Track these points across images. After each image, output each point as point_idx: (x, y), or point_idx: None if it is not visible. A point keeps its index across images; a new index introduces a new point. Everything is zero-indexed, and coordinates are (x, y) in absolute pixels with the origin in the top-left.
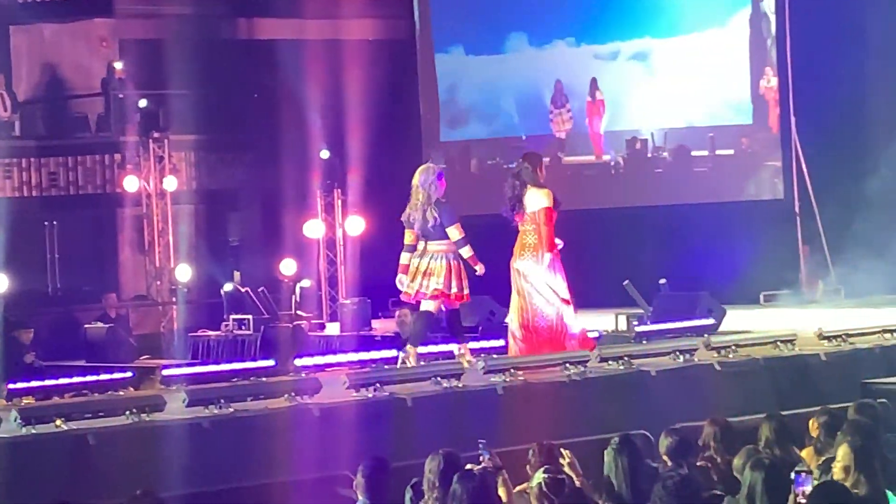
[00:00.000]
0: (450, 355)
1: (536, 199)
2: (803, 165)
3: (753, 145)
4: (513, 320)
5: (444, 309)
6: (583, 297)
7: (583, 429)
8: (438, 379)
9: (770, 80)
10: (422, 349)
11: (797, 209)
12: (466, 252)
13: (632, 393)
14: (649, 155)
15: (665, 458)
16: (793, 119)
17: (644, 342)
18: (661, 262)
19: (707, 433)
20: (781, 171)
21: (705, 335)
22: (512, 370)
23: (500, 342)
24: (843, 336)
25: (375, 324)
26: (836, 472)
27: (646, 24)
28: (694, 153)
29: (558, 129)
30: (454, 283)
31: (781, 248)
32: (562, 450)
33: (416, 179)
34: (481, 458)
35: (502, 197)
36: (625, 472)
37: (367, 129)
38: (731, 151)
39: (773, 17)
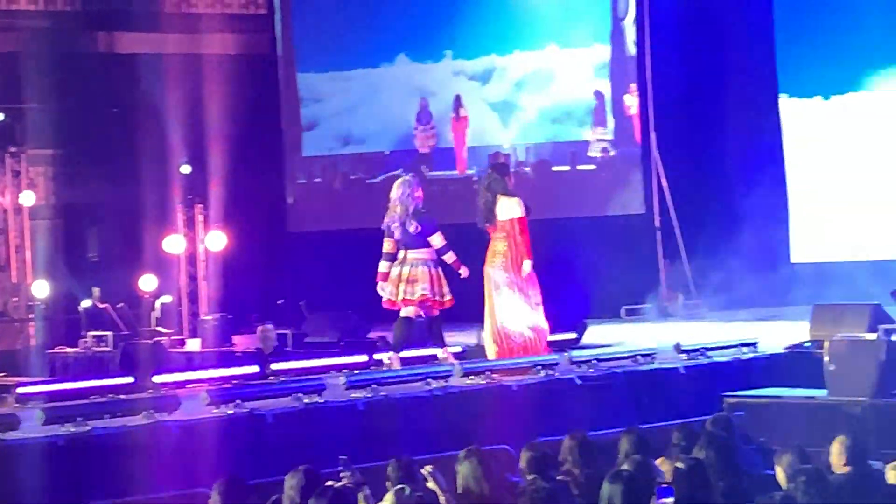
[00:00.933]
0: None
1: (508, 209)
2: (663, 180)
3: (614, 160)
4: (486, 325)
5: (422, 316)
6: (444, 312)
7: (445, 444)
8: (300, 395)
9: (631, 96)
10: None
11: (657, 224)
12: (450, 258)
13: (494, 407)
14: (512, 170)
15: (525, 472)
16: (653, 134)
17: None
18: None
19: (566, 447)
20: (642, 185)
21: (566, 349)
22: (374, 385)
23: (364, 357)
24: (702, 350)
25: (236, 340)
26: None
27: (511, 40)
28: (555, 168)
29: (422, 146)
30: (437, 290)
31: (642, 262)
32: (425, 468)
33: (394, 193)
34: (342, 475)
35: (363, 210)
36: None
37: (228, 144)
38: (592, 167)
39: (633, 33)
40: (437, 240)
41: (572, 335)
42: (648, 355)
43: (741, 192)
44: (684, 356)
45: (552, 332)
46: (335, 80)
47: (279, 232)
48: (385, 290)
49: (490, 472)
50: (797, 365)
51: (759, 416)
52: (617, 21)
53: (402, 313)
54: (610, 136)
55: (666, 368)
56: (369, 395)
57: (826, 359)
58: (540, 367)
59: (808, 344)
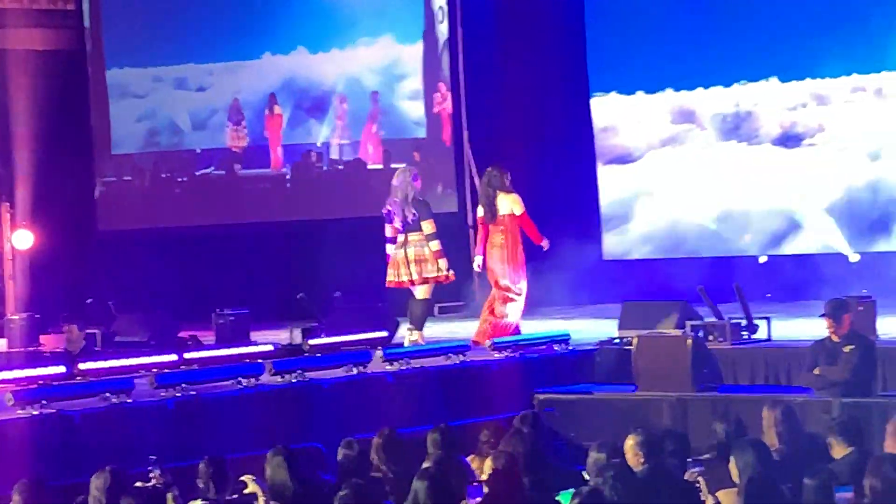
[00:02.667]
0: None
1: (506, 204)
2: (476, 179)
3: (427, 159)
4: (484, 310)
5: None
6: (256, 310)
7: (256, 442)
8: (108, 395)
9: (443, 94)
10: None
11: (470, 222)
12: (435, 245)
13: (305, 405)
14: (325, 168)
15: (340, 469)
16: (465, 133)
17: (318, 354)
18: (337, 274)
19: (375, 445)
20: (455, 184)
21: (379, 347)
22: (184, 384)
23: (174, 357)
24: (514, 346)
25: (44, 339)
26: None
27: (327, 38)
28: (370, 166)
29: (234, 144)
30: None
31: (456, 260)
32: (246, 477)
33: (395, 181)
34: (151, 475)
35: (174, 209)
36: (295, 483)
37: (35, 142)
38: (403, 165)
39: (445, 32)
40: (427, 227)
41: (384, 333)
42: (460, 352)
43: (554, 190)
44: (497, 353)
45: (366, 330)
46: (145, 77)
47: (88, 231)
48: (390, 273)
49: (298, 470)
50: (608, 361)
51: (570, 412)
52: (431, 18)
53: (418, 294)
54: (423, 135)
55: (478, 365)
56: (178, 395)
57: (634, 355)
58: (352, 365)
59: (618, 340)
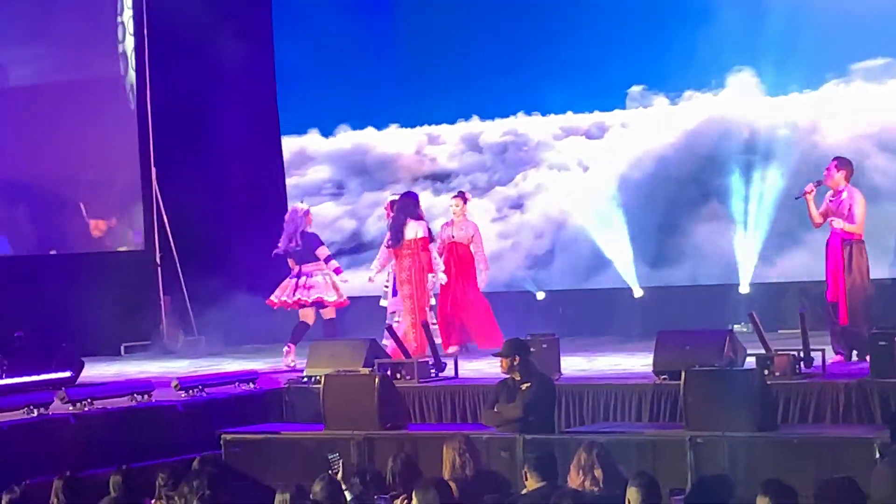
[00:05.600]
0: None
1: (414, 230)
2: (164, 216)
3: (109, 190)
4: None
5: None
6: None
7: None
8: None
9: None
10: None
11: (158, 260)
12: (333, 265)
13: None
14: None
15: None
16: (153, 170)
17: None
18: (17, 312)
19: (56, 487)
20: (143, 221)
21: (62, 388)
22: None
23: None
24: (201, 386)
25: None
26: None
27: None
28: None
29: None
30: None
31: (142, 298)
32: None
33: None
34: None
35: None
36: None
37: None
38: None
39: (132, 59)
40: (322, 251)
41: (67, 373)
42: (145, 392)
43: (242, 228)
44: (182, 392)
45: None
46: None
47: None
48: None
49: None
50: (296, 399)
51: (256, 452)
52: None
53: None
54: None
55: (164, 405)
56: None
57: (322, 393)
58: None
59: (306, 378)
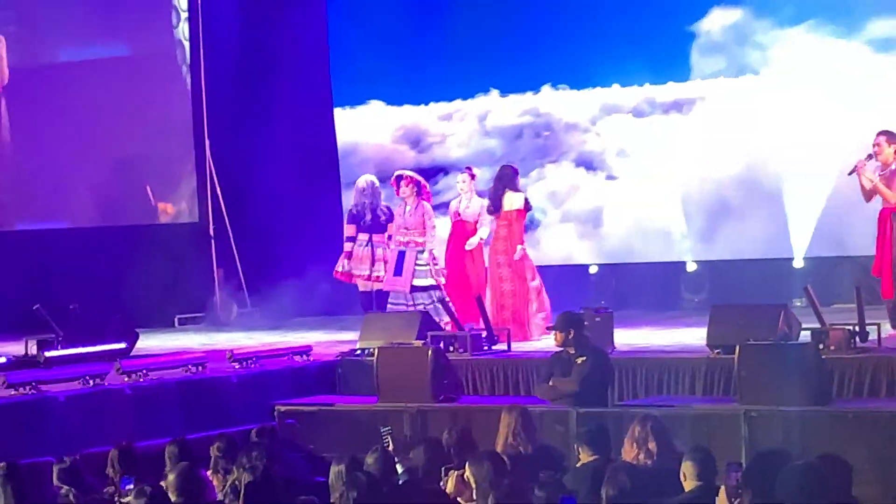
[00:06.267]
0: None
1: (510, 201)
2: (217, 189)
3: (168, 165)
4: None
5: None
6: None
7: None
8: None
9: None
10: None
11: (212, 232)
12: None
13: (39, 419)
14: None
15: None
16: (207, 141)
17: (54, 366)
18: (74, 285)
19: (111, 457)
20: (196, 193)
21: (117, 359)
22: None
23: None
24: (254, 358)
25: None
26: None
27: None
28: None
29: None
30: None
31: (196, 271)
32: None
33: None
34: None
35: None
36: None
37: None
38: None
39: (187, 44)
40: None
41: (122, 345)
42: (200, 364)
43: (296, 201)
44: (237, 364)
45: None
46: None
47: None
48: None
49: (24, 488)
50: (349, 372)
51: (310, 424)
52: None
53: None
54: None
55: (218, 377)
56: None
57: (375, 366)
58: (89, 378)
59: (360, 351)
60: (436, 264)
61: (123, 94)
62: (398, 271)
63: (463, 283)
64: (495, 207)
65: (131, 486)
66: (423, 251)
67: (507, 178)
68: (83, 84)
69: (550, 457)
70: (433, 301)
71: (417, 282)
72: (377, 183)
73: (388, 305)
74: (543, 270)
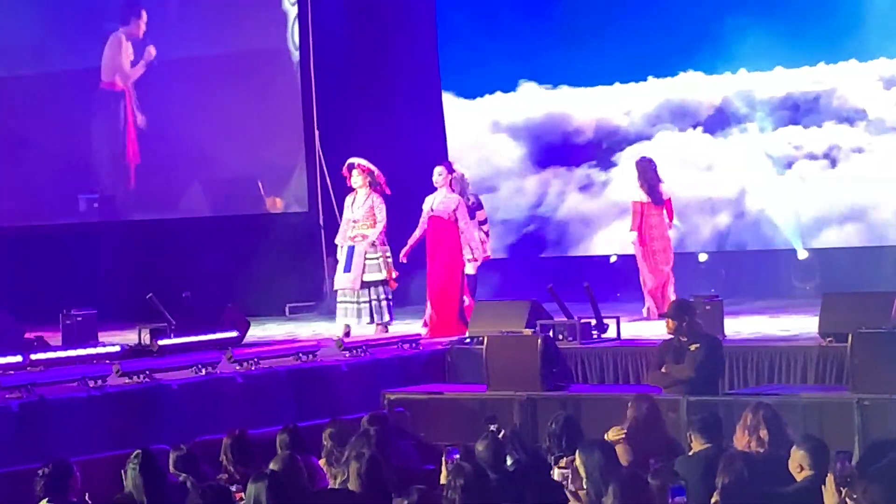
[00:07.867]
0: None
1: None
2: (328, 179)
3: (277, 158)
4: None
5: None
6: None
7: (104, 444)
8: None
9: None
10: None
11: (321, 222)
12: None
13: (152, 407)
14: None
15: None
16: (316, 132)
17: (167, 355)
18: (186, 274)
19: (224, 446)
20: (306, 183)
21: (228, 348)
22: (30, 386)
23: (18, 358)
24: (364, 347)
25: None
26: (351, 482)
27: None
28: None
29: None
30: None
31: (306, 260)
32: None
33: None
34: None
35: None
36: (147, 488)
37: None
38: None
39: (296, 39)
40: (481, 214)
41: (234, 334)
42: (310, 352)
43: (406, 190)
44: (346, 353)
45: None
46: None
47: None
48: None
49: (152, 475)
50: (459, 361)
51: (420, 412)
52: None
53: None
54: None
55: (328, 365)
56: (23, 397)
57: (485, 354)
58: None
59: (469, 340)
60: (388, 257)
61: (236, 91)
62: (347, 268)
63: (444, 280)
64: (657, 199)
65: None
66: (373, 243)
67: (655, 170)
68: (204, 80)
69: (665, 444)
70: (378, 298)
71: (368, 277)
72: (465, 174)
73: (337, 304)
74: None
